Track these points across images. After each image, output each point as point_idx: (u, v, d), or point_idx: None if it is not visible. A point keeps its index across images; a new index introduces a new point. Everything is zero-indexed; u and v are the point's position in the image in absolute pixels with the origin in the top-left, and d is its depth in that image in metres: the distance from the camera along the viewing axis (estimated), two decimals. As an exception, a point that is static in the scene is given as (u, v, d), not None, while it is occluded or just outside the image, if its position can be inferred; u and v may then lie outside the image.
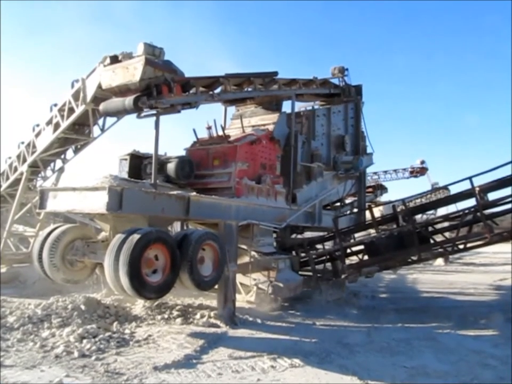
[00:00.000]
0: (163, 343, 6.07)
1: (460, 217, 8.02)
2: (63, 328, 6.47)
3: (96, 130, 8.96)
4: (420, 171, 27.30)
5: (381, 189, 15.97)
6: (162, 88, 6.83)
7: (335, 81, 12.51)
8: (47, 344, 5.83)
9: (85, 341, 5.92)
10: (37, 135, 9.36)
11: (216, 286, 7.38)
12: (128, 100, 6.59)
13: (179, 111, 7.22)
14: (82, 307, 7.28)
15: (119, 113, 7.01)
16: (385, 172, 26.86)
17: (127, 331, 6.59)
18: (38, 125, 9.36)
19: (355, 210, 12.47)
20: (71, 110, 8.20)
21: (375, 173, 25.64)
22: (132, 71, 6.67)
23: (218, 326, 7.08)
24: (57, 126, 8.65)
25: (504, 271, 15.95)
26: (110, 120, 8.78)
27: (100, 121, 8.88)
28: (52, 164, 10.28)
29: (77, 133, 8.92)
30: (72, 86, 8.13)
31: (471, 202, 8.27)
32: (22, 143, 10.00)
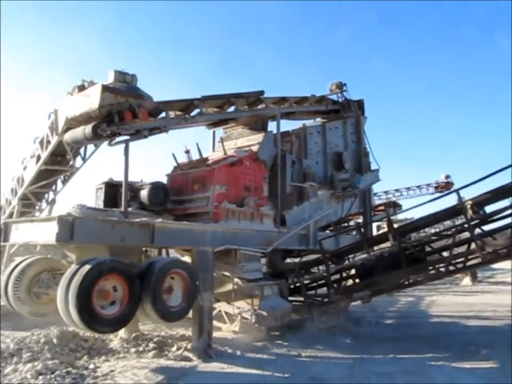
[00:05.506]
0: (120, 380, 5.75)
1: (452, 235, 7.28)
2: (31, 363, 6.29)
3: (78, 160, 8.97)
4: (445, 186, 26.02)
5: (394, 206, 15.19)
6: (125, 114, 6.74)
7: (334, 97, 12.21)
8: (3, 382, 5.65)
9: (40, 377, 5.69)
10: (24, 168, 9.48)
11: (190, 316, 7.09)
12: (88, 128, 6.50)
13: (146, 137, 7.06)
14: (55, 340, 7.09)
15: (81, 142, 6.94)
16: (408, 188, 25.80)
17: (91, 366, 6.30)
18: (25, 159, 9.49)
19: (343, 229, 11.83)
20: (49, 142, 8.23)
21: (385, 192, 24.45)
22: (92, 99, 6.61)
23: (190, 360, 6.68)
24: (39, 158, 8.71)
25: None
26: (91, 148, 8.76)
27: (82, 150, 8.88)
28: (46, 195, 10.37)
29: (60, 164, 8.94)
30: (49, 117, 8.17)
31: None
32: (14, 177, 10.18)
